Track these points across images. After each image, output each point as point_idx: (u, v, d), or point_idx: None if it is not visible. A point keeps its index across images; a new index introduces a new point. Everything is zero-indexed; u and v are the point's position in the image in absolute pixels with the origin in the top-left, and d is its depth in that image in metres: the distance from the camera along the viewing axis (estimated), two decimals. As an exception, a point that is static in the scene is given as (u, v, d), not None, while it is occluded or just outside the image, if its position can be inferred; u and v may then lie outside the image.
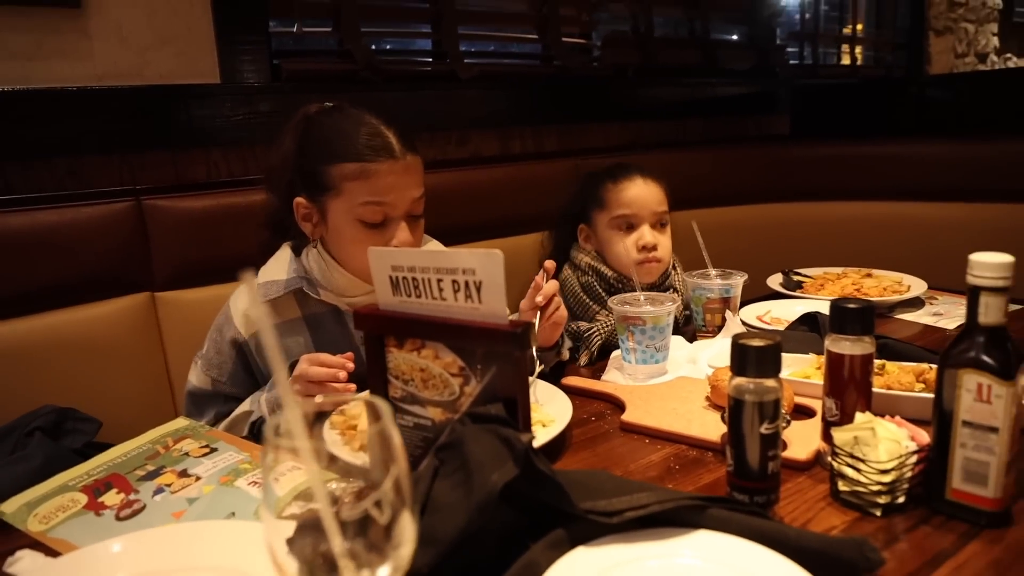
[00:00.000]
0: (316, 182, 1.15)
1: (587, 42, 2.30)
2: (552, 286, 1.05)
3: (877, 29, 3.38)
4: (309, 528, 0.47)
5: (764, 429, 0.71)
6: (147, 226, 1.46)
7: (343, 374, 1.00)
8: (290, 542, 0.46)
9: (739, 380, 0.72)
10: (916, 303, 1.54)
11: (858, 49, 3.33)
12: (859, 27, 3.31)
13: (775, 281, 1.70)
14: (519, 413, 0.69)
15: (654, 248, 1.48)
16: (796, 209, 2.28)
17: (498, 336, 0.68)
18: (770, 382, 0.71)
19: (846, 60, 3.28)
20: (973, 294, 0.69)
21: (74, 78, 1.46)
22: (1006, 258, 0.67)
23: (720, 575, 0.63)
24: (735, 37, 2.78)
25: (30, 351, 1.36)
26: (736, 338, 0.73)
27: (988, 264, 0.67)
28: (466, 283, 0.69)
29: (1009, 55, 4.21)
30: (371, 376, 0.78)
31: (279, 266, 1.20)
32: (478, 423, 0.68)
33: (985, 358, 0.69)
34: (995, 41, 4.01)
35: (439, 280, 0.70)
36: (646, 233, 1.48)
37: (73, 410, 1.28)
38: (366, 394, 0.95)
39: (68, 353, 1.40)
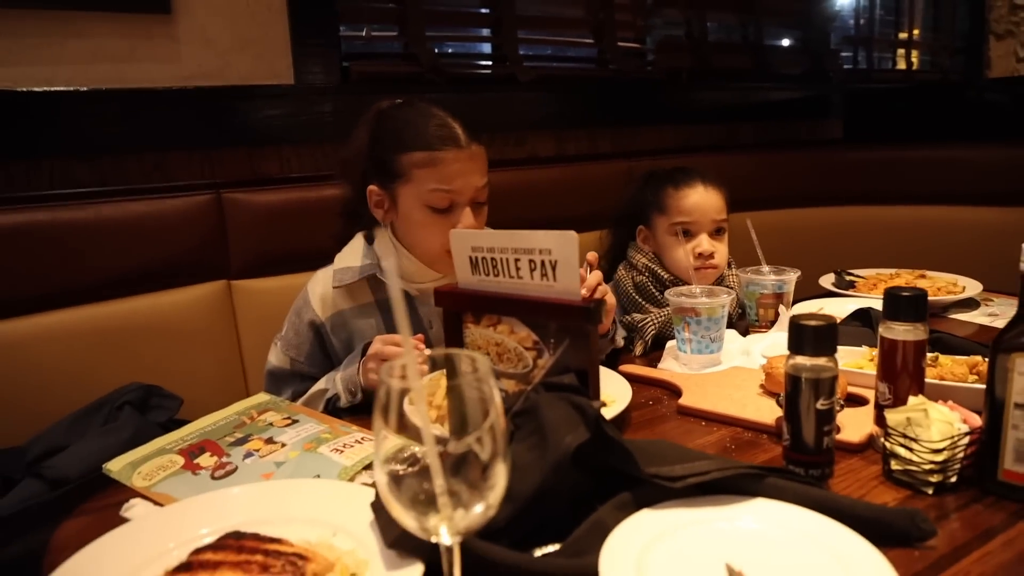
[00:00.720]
0: (388, 170, 1.22)
1: (641, 46, 2.35)
2: (595, 277, 1.10)
3: (935, 33, 3.35)
4: (415, 469, 0.53)
5: (820, 405, 0.75)
6: (225, 218, 1.56)
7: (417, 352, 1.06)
8: (397, 480, 0.52)
9: (797, 358, 0.77)
10: (971, 304, 1.54)
11: (914, 54, 3.30)
12: (915, 32, 3.29)
13: (827, 280, 1.72)
14: (590, 383, 0.74)
15: (711, 256, 1.52)
16: (849, 212, 2.28)
17: (572, 311, 0.73)
18: (826, 360, 0.75)
19: (901, 65, 3.26)
20: (1025, 281, 0.73)
21: (163, 79, 1.57)
22: (1058, 246, 0.71)
23: (779, 538, 0.68)
24: (789, 42, 2.80)
25: (119, 332, 1.46)
26: (794, 318, 0.77)
27: (1040, 251, 0.71)
28: (542, 262, 0.75)
29: (1073, 60, 4.11)
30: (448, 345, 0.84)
31: (353, 253, 1.28)
32: (552, 391, 0.74)
33: (1036, 342, 0.72)
34: (1058, 46, 3.93)
35: (516, 260, 0.76)
36: (704, 241, 1.52)
37: (158, 387, 1.38)
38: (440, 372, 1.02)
39: (152, 335, 1.49)
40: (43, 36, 1.45)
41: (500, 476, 0.52)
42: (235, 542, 0.69)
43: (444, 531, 0.53)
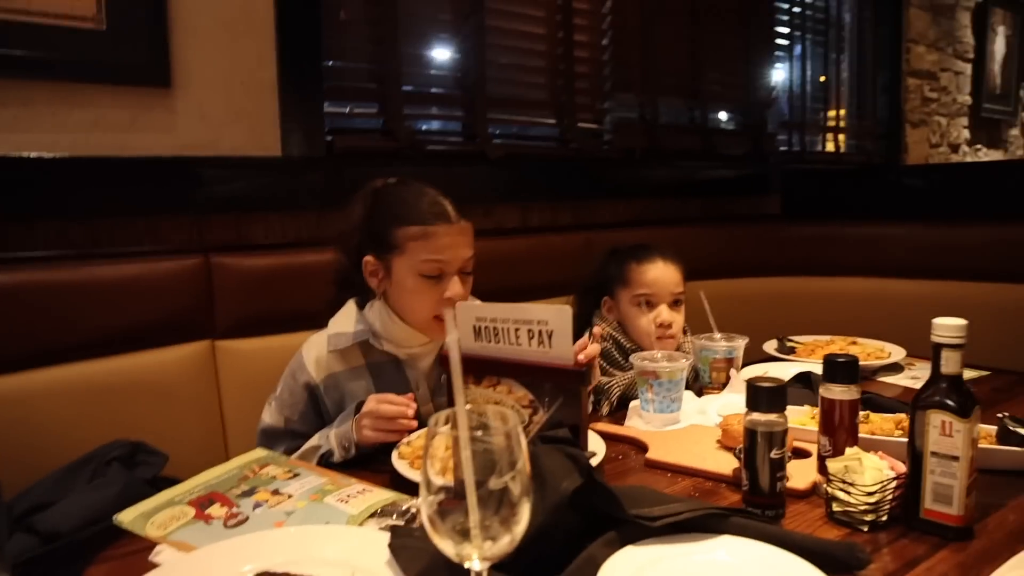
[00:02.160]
0: (384, 242, 1.34)
1: (599, 127, 2.54)
2: (595, 349, 1.23)
3: (859, 120, 3.69)
4: (452, 506, 0.63)
5: (773, 454, 0.89)
6: (213, 280, 1.63)
7: (410, 411, 1.16)
8: (441, 514, 0.63)
9: (753, 415, 0.90)
10: (896, 368, 1.72)
11: (841, 137, 3.62)
12: (842, 112, 3.61)
13: (771, 346, 1.89)
14: (581, 436, 0.86)
15: (670, 326, 1.67)
16: (787, 283, 2.48)
17: (565, 374, 0.85)
18: (778, 416, 0.89)
19: (831, 147, 3.57)
20: (936, 350, 0.88)
21: (160, 148, 1.66)
22: (961, 321, 0.87)
23: (748, 569, 0.80)
24: (731, 125, 3.05)
25: (106, 389, 1.51)
26: (750, 381, 0.91)
27: (947, 326, 0.87)
28: (539, 332, 0.87)
29: (979, 145, 4.55)
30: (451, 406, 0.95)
31: (347, 319, 1.38)
32: (548, 444, 0.85)
33: (947, 400, 0.87)
34: (966, 133, 4.35)
35: (516, 329, 0.88)
36: (664, 312, 1.67)
37: (144, 444, 1.43)
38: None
39: (138, 392, 1.54)
40: (50, 105, 1.54)
41: (525, 512, 0.63)
42: (269, 578, 0.77)
43: (475, 558, 0.64)
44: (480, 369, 0.93)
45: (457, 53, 2.18)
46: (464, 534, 0.63)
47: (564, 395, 0.86)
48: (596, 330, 1.24)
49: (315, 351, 1.36)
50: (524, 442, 0.62)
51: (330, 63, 1.91)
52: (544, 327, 0.86)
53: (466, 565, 0.64)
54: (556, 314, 0.85)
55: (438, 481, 0.62)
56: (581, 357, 1.20)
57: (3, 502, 1.23)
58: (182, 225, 1.71)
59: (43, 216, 1.55)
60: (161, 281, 1.58)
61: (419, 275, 1.31)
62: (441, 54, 2.17)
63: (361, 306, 1.40)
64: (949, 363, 0.87)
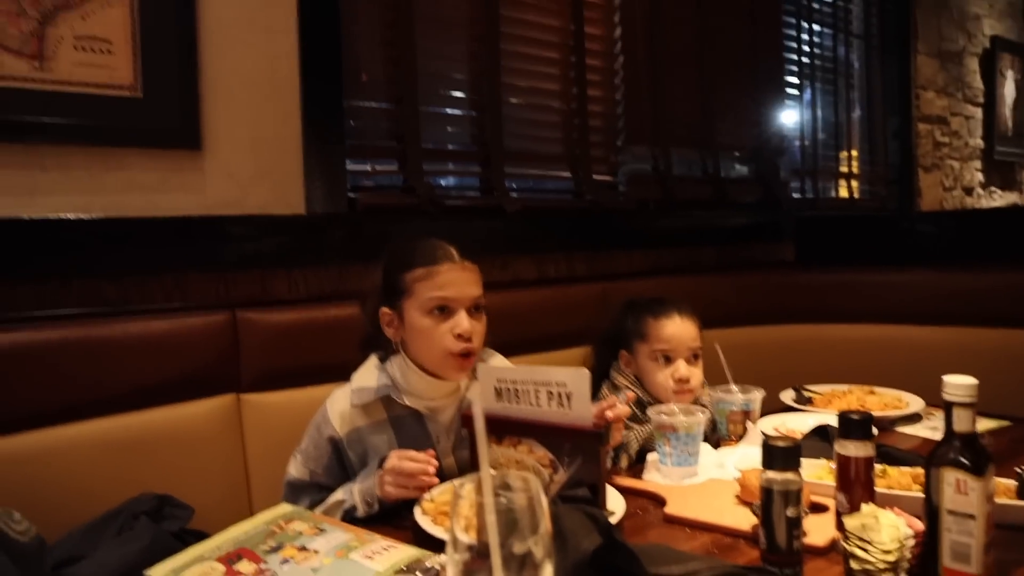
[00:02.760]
0: (394, 290, 1.40)
1: (613, 179, 2.60)
2: (624, 411, 1.26)
3: (871, 166, 3.73)
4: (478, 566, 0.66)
5: (790, 513, 0.90)
6: (239, 335, 1.68)
7: (431, 468, 1.19)
8: (467, 574, 0.65)
9: (769, 473, 0.92)
10: (915, 418, 1.73)
11: (854, 183, 3.66)
12: (855, 157, 3.65)
13: (788, 396, 1.90)
14: (599, 496, 0.88)
15: (688, 380, 1.69)
16: (802, 331, 2.48)
17: (584, 435, 0.88)
18: (793, 475, 0.91)
19: (844, 193, 3.60)
20: (947, 408, 0.90)
21: (189, 207, 1.73)
22: (971, 380, 0.89)
23: (761, 627, 0.81)
24: (743, 173, 3.10)
25: (134, 443, 1.53)
26: (766, 440, 0.93)
27: (957, 384, 0.89)
28: (559, 393, 0.90)
29: (993, 188, 4.57)
30: (473, 466, 0.98)
31: (369, 374, 1.42)
32: (568, 503, 0.87)
33: (960, 458, 0.89)
34: (980, 176, 4.38)
35: (536, 391, 0.92)
36: (681, 367, 1.69)
37: (170, 497, 1.46)
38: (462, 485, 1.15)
39: (164, 446, 1.57)
40: (87, 169, 1.61)
41: (548, 573, 0.66)
42: (298, 638, 0.79)
43: (500, 620, 0.66)
44: (502, 429, 0.96)
45: (473, 110, 2.25)
46: (490, 597, 0.65)
47: (583, 455, 0.89)
48: (629, 395, 1.27)
49: (339, 406, 1.40)
50: (546, 506, 0.65)
51: (352, 123, 1.98)
52: (563, 389, 0.89)
53: (491, 627, 0.66)
54: (575, 376, 0.88)
55: (464, 540, 0.65)
56: (610, 414, 1.21)
57: (47, 550, 1.25)
58: (209, 281, 1.76)
59: (79, 274, 1.60)
60: (189, 336, 1.63)
61: (427, 312, 1.36)
62: (458, 111, 2.24)
63: (382, 360, 1.44)
64: (961, 421, 0.89)
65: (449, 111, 2.23)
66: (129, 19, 1.63)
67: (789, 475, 0.91)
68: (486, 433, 0.69)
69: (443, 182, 2.23)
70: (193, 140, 1.72)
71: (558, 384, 0.88)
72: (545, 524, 0.65)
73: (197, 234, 1.73)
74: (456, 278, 1.38)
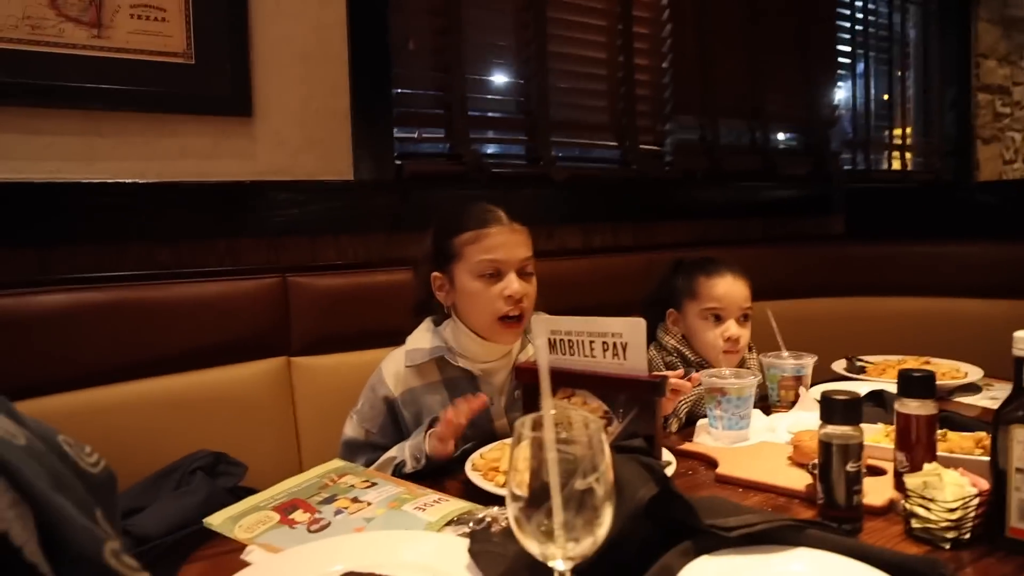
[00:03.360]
0: (445, 255, 1.41)
1: (660, 149, 2.56)
2: (686, 386, 1.26)
3: (926, 137, 3.61)
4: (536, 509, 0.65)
5: (850, 467, 0.88)
6: (289, 299, 1.71)
7: (462, 418, 1.20)
8: (527, 515, 0.65)
9: (828, 428, 0.90)
10: (973, 388, 1.68)
11: (908, 156, 3.55)
12: (908, 131, 3.54)
13: (840, 366, 1.85)
14: (655, 447, 0.88)
15: (738, 340, 1.67)
16: (854, 303, 2.43)
17: (640, 385, 0.87)
18: (853, 429, 0.89)
19: (896, 166, 3.49)
20: (1018, 364, 0.87)
21: (240, 173, 1.75)
22: (1044, 335, 0.86)
23: (821, 580, 0.80)
24: (793, 144, 3.03)
25: (188, 402, 1.58)
26: (825, 394, 0.91)
27: (1030, 339, 0.86)
28: (614, 344, 0.89)
29: (1056, 163, 4.39)
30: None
31: (423, 337, 1.43)
32: (622, 453, 0.87)
33: (1031, 415, 0.86)
34: (1042, 149, 4.20)
35: (591, 341, 0.91)
36: (732, 327, 1.67)
37: (225, 455, 1.50)
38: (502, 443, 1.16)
39: (218, 406, 1.61)
40: (143, 135, 1.64)
41: (608, 515, 0.65)
42: (356, 577, 0.81)
43: (559, 559, 0.66)
44: (555, 381, 0.94)
45: (520, 78, 2.24)
46: (548, 535, 0.65)
47: (639, 406, 0.88)
48: (694, 376, 1.26)
49: (393, 366, 1.41)
50: (607, 446, 0.64)
51: (399, 91, 1.99)
52: (618, 339, 0.88)
53: (550, 564, 0.66)
54: (630, 326, 0.87)
55: (523, 488, 0.65)
56: (674, 382, 1.19)
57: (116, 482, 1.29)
58: (260, 246, 1.79)
59: (134, 238, 1.64)
60: (240, 300, 1.66)
61: (477, 276, 1.36)
62: (504, 80, 2.23)
63: (437, 324, 1.45)
64: (1032, 377, 0.86)
65: (496, 79, 2.21)
66: (182, -14, 1.65)
67: (849, 429, 0.89)
68: (539, 387, 0.69)
69: (489, 150, 2.22)
70: (244, 107, 1.75)
71: (614, 334, 0.88)
72: (606, 464, 0.64)
73: (248, 199, 1.76)
74: (505, 240, 1.38)
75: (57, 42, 1.53)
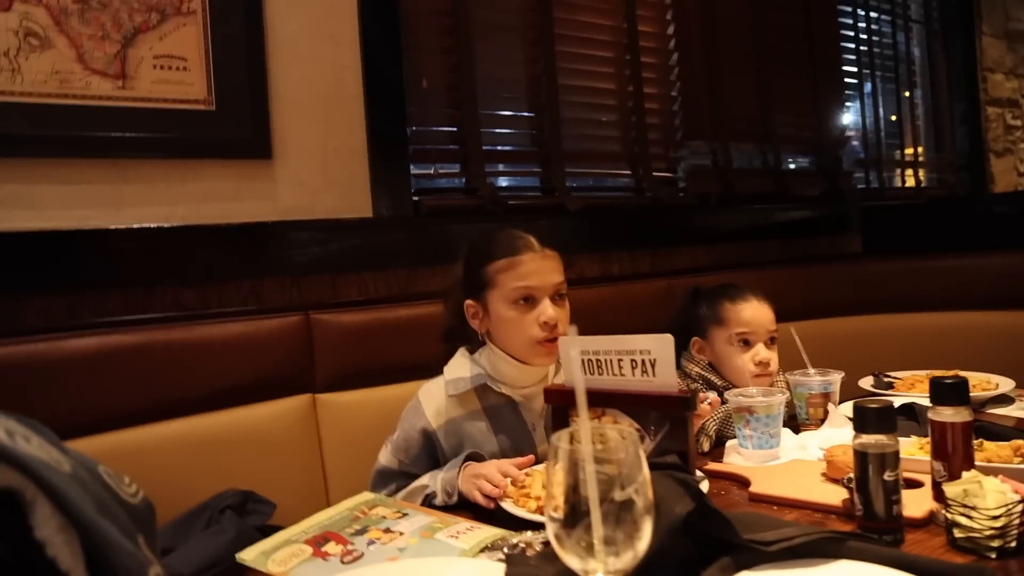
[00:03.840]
0: (478, 283, 1.41)
1: (673, 175, 2.58)
2: (708, 410, 1.26)
3: (937, 153, 3.61)
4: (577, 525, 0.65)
5: (887, 476, 0.87)
6: (313, 336, 1.72)
7: (500, 492, 1.17)
8: (567, 531, 0.65)
9: (863, 437, 0.90)
10: (1006, 400, 1.65)
11: (921, 172, 3.55)
12: (920, 149, 3.55)
13: (867, 383, 1.83)
14: (689, 463, 0.87)
15: (768, 363, 1.67)
16: (875, 321, 2.41)
17: (671, 401, 0.87)
18: (889, 437, 0.88)
19: (911, 182, 3.49)
20: (1053, 365, 0.86)
21: (261, 214, 1.78)
22: (1077, 335, 0.85)
23: (865, 591, 0.78)
24: (805, 165, 3.04)
25: (215, 442, 1.58)
26: (857, 404, 0.90)
27: (1062, 340, 0.85)
28: (643, 361, 0.90)
29: (1072, 174, 4.36)
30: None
31: (461, 366, 1.43)
32: (657, 470, 0.86)
33: (1070, 417, 0.84)
34: (1056, 161, 4.18)
35: (620, 360, 0.91)
36: (761, 350, 1.67)
37: (253, 493, 1.50)
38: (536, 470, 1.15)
39: (244, 445, 1.61)
40: (167, 181, 1.68)
41: (647, 528, 0.65)
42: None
43: (600, 573, 0.65)
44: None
45: (532, 111, 2.27)
46: (589, 549, 0.65)
47: (670, 422, 0.88)
48: (714, 399, 1.27)
49: (434, 399, 1.41)
50: (644, 458, 0.64)
51: (414, 128, 2.02)
52: (647, 356, 0.88)
53: (591, 579, 0.66)
54: (658, 342, 0.87)
55: (561, 503, 0.65)
56: (705, 405, 1.19)
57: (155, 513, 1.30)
58: (283, 285, 1.81)
59: (160, 280, 1.67)
60: (265, 339, 1.67)
61: (511, 303, 1.37)
62: (517, 113, 2.27)
63: (471, 352, 1.45)
64: (1067, 377, 0.85)
65: (508, 113, 2.25)
66: (202, 36, 1.70)
67: (884, 438, 0.88)
68: (567, 408, 0.69)
69: (504, 183, 2.24)
70: (264, 150, 1.79)
71: (642, 351, 0.88)
72: (645, 475, 0.64)
73: (270, 239, 1.78)
74: (538, 267, 1.39)
75: (84, 94, 1.57)
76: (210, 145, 1.72)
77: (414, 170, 2.01)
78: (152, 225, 1.65)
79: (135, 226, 1.63)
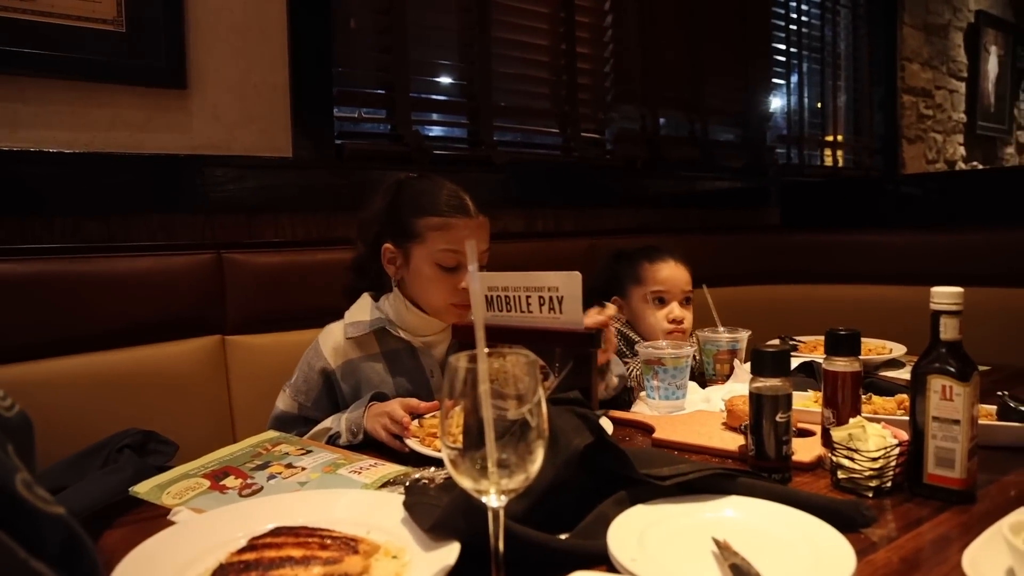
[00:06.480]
0: (404, 231, 1.38)
1: (601, 137, 2.60)
2: (612, 310, 1.24)
3: (856, 136, 3.75)
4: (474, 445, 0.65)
5: (779, 418, 0.91)
6: (224, 277, 1.66)
7: (406, 431, 1.17)
8: (462, 454, 0.65)
9: (758, 380, 0.93)
10: (897, 364, 1.75)
11: (839, 153, 3.68)
12: (840, 136, 3.68)
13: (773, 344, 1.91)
14: (592, 399, 0.88)
15: (682, 321, 1.71)
16: (787, 291, 2.51)
17: (576, 338, 0.88)
18: (782, 380, 0.92)
19: (829, 162, 3.62)
20: (935, 317, 0.91)
21: (174, 147, 1.70)
22: (958, 289, 0.90)
23: (756, 523, 0.82)
24: (730, 138, 3.11)
25: (117, 380, 1.53)
26: (756, 348, 0.93)
27: (945, 292, 0.90)
28: (550, 298, 0.90)
29: (975, 163, 4.61)
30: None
31: (362, 310, 1.41)
32: (558, 404, 0.87)
33: (947, 366, 0.90)
34: (962, 150, 4.41)
35: (527, 296, 0.91)
36: (675, 308, 1.72)
37: (155, 433, 1.45)
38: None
39: (149, 384, 1.56)
40: (70, 104, 1.58)
41: (540, 451, 0.66)
42: (289, 531, 0.79)
43: (493, 493, 0.66)
44: (490, 338, 0.94)
45: (464, 62, 2.23)
46: (483, 471, 0.65)
47: (575, 359, 0.89)
48: (613, 302, 1.26)
49: (332, 339, 1.39)
50: (539, 379, 0.65)
51: (340, 69, 1.96)
52: (555, 293, 0.89)
53: (483, 500, 0.66)
54: (566, 280, 0.88)
55: (459, 426, 0.65)
56: (599, 317, 1.18)
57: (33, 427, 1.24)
58: (195, 222, 1.74)
59: (60, 211, 1.58)
60: (174, 276, 1.61)
61: (437, 264, 1.35)
62: (448, 62, 2.22)
63: (375, 299, 1.43)
64: (948, 329, 0.90)
65: (439, 62, 2.21)
66: (113, -49, 1.60)
67: (777, 381, 0.91)
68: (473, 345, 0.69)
69: (432, 132, 2.21)
70: (178, 79, 1.70)
71: (549, 288, 0.88)
72: (541, 395, 0.65)
73: (183, 174, 1.71)
74: (471, 235, 1.37)
75: (-22, 3, 1.46)
76: (119, 70, 1.63)
77: (338, 112, 1.96)
78: (52, 150, 1.55)
79: (32, 149, 1.53)
